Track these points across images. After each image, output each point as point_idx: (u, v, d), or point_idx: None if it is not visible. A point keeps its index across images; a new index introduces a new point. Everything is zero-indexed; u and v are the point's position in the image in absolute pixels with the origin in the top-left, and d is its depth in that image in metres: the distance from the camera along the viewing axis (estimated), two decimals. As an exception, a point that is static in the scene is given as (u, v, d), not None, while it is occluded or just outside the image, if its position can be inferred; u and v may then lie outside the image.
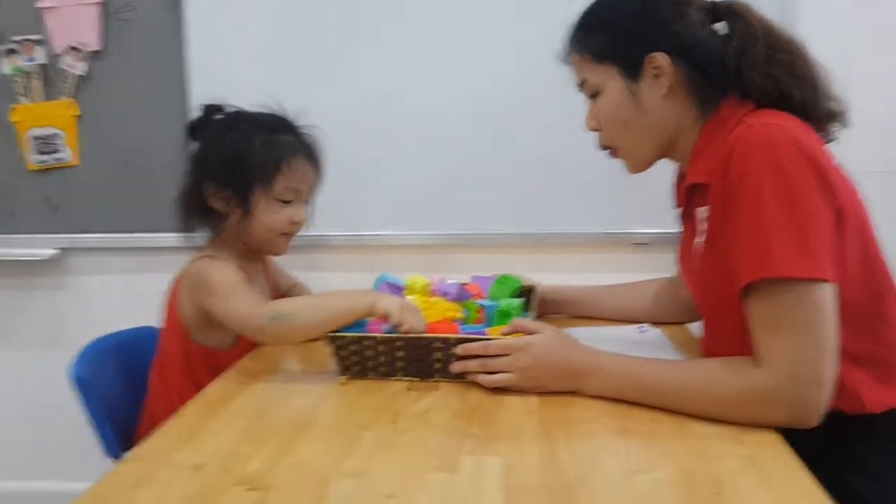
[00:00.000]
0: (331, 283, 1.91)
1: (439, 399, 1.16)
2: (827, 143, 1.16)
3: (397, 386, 1.22)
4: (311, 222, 1.52)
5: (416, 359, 1.24)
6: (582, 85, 1.26)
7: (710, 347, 1.26)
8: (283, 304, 1.33)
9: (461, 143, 1.98)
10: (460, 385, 1.21)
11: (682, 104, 1.19)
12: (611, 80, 1.21)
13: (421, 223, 2.03)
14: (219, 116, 1.48)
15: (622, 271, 1.70)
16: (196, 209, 1.46)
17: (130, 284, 2.15)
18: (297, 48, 1.99)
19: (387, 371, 1.25)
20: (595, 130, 1.27)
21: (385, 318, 1.23)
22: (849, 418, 1.09)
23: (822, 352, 1.01)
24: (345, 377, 1.26)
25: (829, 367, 1.01)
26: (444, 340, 1.22)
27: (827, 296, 1.01)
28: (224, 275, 1.37)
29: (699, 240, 1.19)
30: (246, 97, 1.50)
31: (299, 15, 1.98)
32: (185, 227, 1.48)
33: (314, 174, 1.50)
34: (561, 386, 1.16)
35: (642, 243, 1.98)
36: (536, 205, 2.00)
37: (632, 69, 1.19)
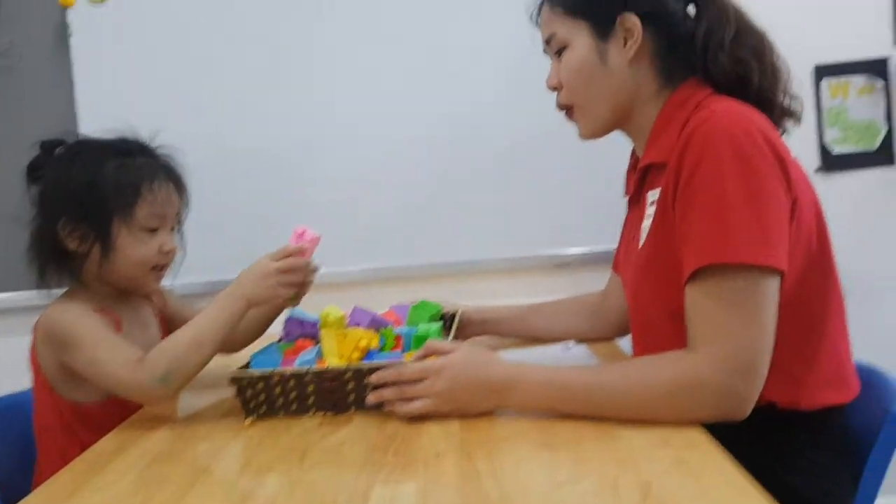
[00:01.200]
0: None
1: (354, 432, 1.09)
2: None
3: (308, 422, 1.14)
4: (183, 252, 1.39)
5: (329, 391, 1.16)
6: (549, 41, 1.23)
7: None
8: (162, 360, 1.19)
9: (406, 178, 1.97)
10: (377, 416, 1.14)
11: (645, 73, 1.17)
12: (579, 36, 1.18)
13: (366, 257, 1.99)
14: (60, 150, 1.34)
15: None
16: (50, 255, 1.31)
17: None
18: (215, 84, 1.95)
19: (298, 408, 1.17)
20: (555, 90, 1.24)
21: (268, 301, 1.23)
22: (782, 413, 1.06)
23: (763, 343, 0.98)
24: (250, 419, 1.17)
25: (766, 360, 0.98)
26: (357, 370, 1.15)
27: (774, 287, 0.99)
28: (82, 326, 1.23)
29: (646, 223, 1.15)
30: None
31: (210, 52, 1.95)
32: (41, 277, 1.32)
33: (178, 197, 1.36)
34: (483, 405, 1.09)
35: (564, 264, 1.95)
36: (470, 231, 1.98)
37: (602, 27, 1.17)
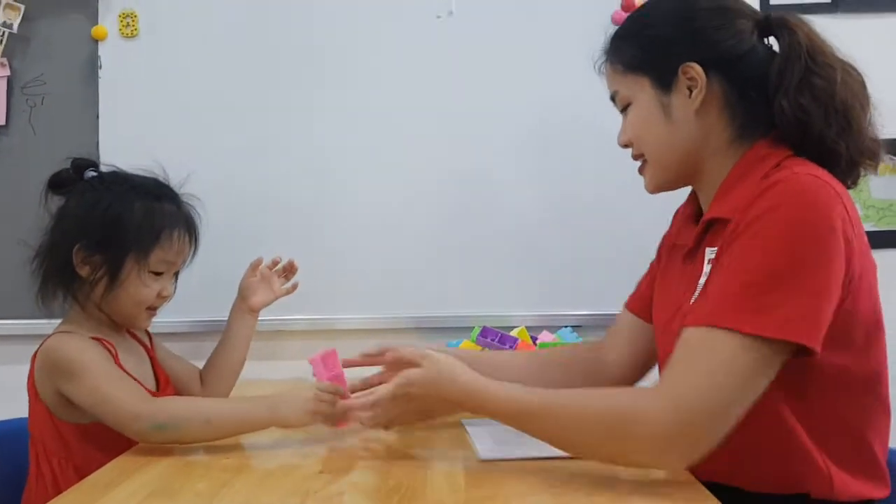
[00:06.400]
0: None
1: (355, 480, 1.05)
2: (847, 188, 1.09)
3: (310, 468, 1.11)
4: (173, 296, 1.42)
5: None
6: (613, 98, 1.21)
7: None
8: (169, 410, 1.21)
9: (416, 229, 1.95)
10: (380, 465, 1.11)
11: (716, 123, 1.11)
12: (641, 92, 1.15)
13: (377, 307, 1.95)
14: (92, 174, 1.37)
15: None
16: (56, 272, 1.34)
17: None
18: (223, 127, 1.94)
19: None
20: (625, 146, 1.21)
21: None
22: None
23: (721, 409, 0.93)
24: None
25: (717, 428, 0.93)
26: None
27: (771, 361, 0.94)
28: (88, 357, 1.25)
29: (702, 281, 1.09)
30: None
31: (231, 99, 1.95)
32: (43, 291, 1.34)
33: (190, 248, 1.41)
34: (445, 413, 1.20)
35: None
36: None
37: (663, 80, 1.12)
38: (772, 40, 1.12)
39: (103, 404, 1.21)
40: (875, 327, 1.05)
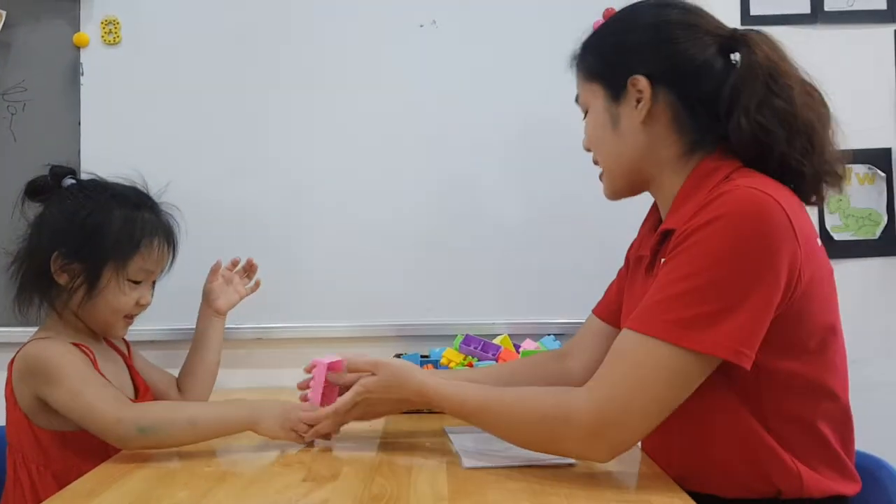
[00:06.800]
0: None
1: (339, 488, 1.05)
2: (808, 204, 1.10)
3: (292, 476, 1.10)
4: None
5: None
6: (577, 101, 1.25)
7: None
8: (153, 414, 1.21)
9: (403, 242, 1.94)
10: (362, 472, 1.10)
11: (664, 137, 1.13)
12: (595, 100, 1.18)
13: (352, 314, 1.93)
14: (70, 181, 1.37)
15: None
16: (34, 279, 1.33)
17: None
18: (204, 136, 1.93)
19: None
20: (587, 150, 1.24)
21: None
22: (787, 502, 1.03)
23: (642, 407, 0.98)
24: None
25: (639, 426, 1.00)
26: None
27: (695, 368, 0.97)
28: (67, 361, 1.24)
29: None
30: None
31: (213, 107, 1.93)
32: (20, 298, 1.34)
33: (169, 256, 1.42)
34: (403, 409, 1.28)
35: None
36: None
37: (614, 90, 1.15)
38: (738, 56, 1.12)
39: (84, 409, 1.20)
40: (831, 332, 1.06)
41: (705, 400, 1.00)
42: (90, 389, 1.21)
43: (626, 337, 1.02)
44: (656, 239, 1.14)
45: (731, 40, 1.12)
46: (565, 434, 1.02)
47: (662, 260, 1.09)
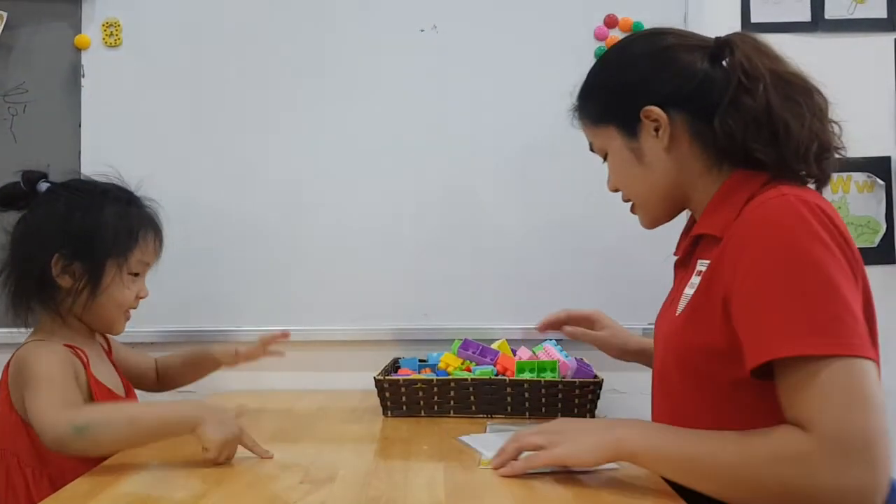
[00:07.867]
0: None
1: (336, 491, 1.04)
2: None
3: (291, 479, 1.10)
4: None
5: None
6: (592, 149, 1.26)
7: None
8: (92, 413, 1.17)
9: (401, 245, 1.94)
10: (359, 475, 1.10)
11: (688, 154, 1.14)
12: (612, 141, 1.20)
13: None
14: (45, 185, 1.36)
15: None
16: (34, 287, 1.32)
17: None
18: (205, 139, 1.93)
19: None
20: (614, 191, 1.26)
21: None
22: None
23: (875, 424, 0.89)
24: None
25: (884, 443, 0.89)
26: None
27: (871, 369, 0.91)
28: (45, 364, 1.22)
29: (688, 291, 1.12)
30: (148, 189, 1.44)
31: (214, 110, 1.93)
32: (16, 306, 1.32)
33: (160, 248, 1.44)
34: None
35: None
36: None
37: (629, 127, 1.16)
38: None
39: (32, 410, 1.17)
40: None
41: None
42: (44, 392, 1.17)
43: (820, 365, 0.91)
44: (689, 241, 1.18)
45: (717, 48, 1.14)
46: (809, 480, 0.89)
47: (700, 261, 1.11)
